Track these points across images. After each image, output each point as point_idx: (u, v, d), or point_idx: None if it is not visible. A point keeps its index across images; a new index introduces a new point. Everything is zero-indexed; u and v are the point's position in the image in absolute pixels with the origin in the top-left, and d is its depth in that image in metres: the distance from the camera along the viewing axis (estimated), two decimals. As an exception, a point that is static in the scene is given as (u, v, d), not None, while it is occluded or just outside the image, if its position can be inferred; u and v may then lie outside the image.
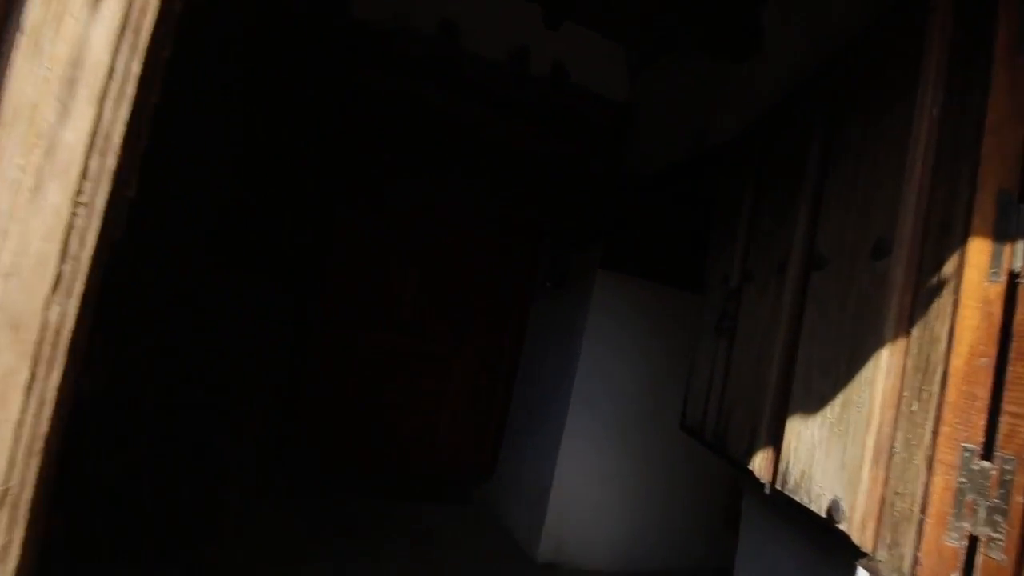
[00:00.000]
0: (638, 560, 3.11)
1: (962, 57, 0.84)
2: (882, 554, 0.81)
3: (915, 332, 0.83)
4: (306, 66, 2.20)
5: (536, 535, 3.02)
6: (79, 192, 0.48)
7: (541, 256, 3.75)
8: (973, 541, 0.68)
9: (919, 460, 0.78)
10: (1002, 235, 0.72)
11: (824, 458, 0.91)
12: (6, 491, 0.45)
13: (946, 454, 0.74)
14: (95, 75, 0.48)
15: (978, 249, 0.75)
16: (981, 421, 0.71)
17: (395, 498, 3.43)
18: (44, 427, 0.47)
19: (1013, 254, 0.71)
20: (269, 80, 2.15)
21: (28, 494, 0.46)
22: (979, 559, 0.67)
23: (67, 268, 0.48)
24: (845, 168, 1.03)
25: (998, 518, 0.65)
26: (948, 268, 0.79)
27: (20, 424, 0.45)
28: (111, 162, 0.50)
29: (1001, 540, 0.64)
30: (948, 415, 0.75)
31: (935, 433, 0.77)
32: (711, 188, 2.36)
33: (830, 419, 0.93)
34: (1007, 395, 0.68)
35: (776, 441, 1.07)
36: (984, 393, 0.71)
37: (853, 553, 0.85)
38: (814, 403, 0.96)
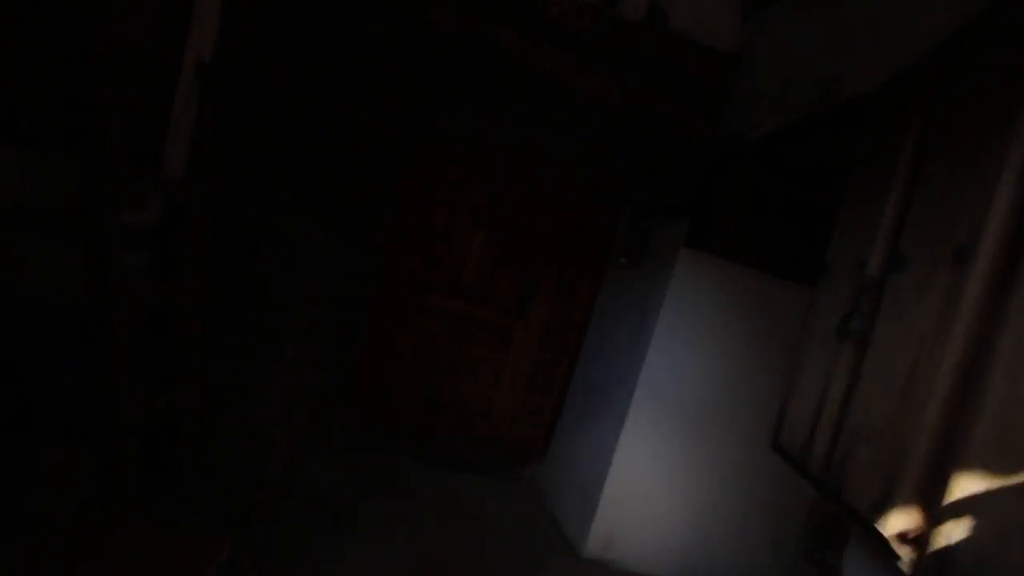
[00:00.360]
0: (699, 574, 2.82)
1: None
2: None
3: None
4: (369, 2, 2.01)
5: (585, 527, 2.81)
6: None
7: (620, 228, 3.41)
8: None
9: None
10: None
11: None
12: None
13: None
14: None
15: None
16: None
17: (444, 466, 3.35)
18: None
19: None
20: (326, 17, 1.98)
21: None
22: None
23: None
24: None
25: None
26: None
27: None
28: None
29: None
30: None
31: None
32: (837, 151, 1.91)
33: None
34: None
35: (931, 501, 0.75)
36: None
37: None
38: (1016, 456, 0.63)
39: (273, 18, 1.95)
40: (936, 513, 0.73)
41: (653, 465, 2.77)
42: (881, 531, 0.80)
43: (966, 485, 0.70)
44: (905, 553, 0.77)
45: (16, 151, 1.36)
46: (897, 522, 0.79)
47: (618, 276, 3.27)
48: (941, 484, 0.73)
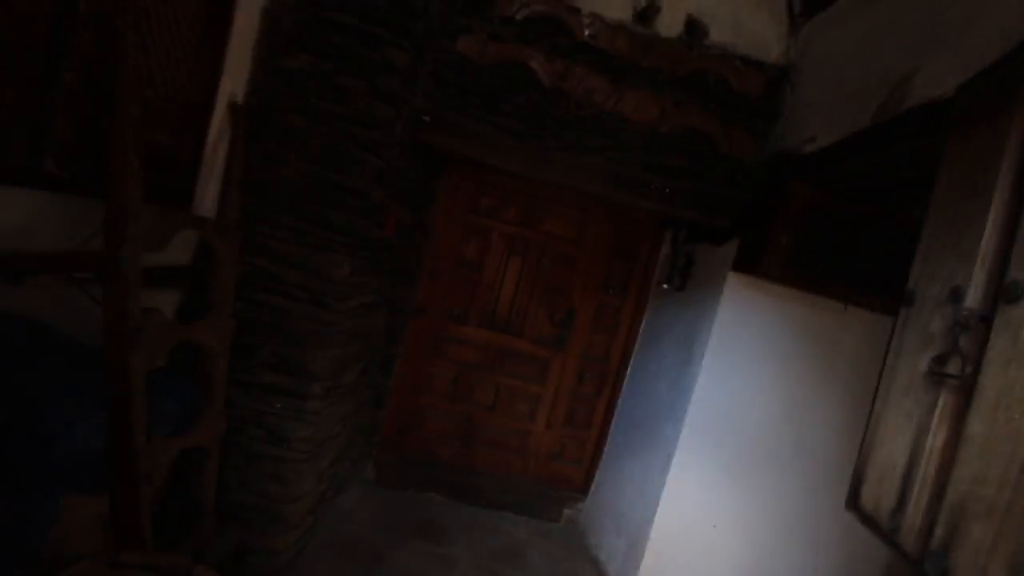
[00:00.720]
0: (761, 635, 2.54)
1: None
2: None
3: None
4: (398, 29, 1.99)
5: (632, 573, 2.58)
6: None
7: (662, 253, 3.24)
8: None
9: None
10: None
11: None
12: None
13: None
14: None
15: None
16: None
17: (478, 503, 3.20)
18: None
19: None
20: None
21: None
22: None
23: None
24: None
25: None
26: None
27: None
28: None
29: None
30: None
31: None
32: (908, 164, 1.71)
33: None
34: None
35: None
36: None
37: None
38: None
39: (304, 53, 1.95)
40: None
41: (704, 508, 2.53)
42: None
43: None
44: None
45: (46, 194, 1.37)
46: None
47: (661, 304, 3.09)
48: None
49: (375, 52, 1.99)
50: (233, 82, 1.89)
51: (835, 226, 2.20)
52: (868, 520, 1.03)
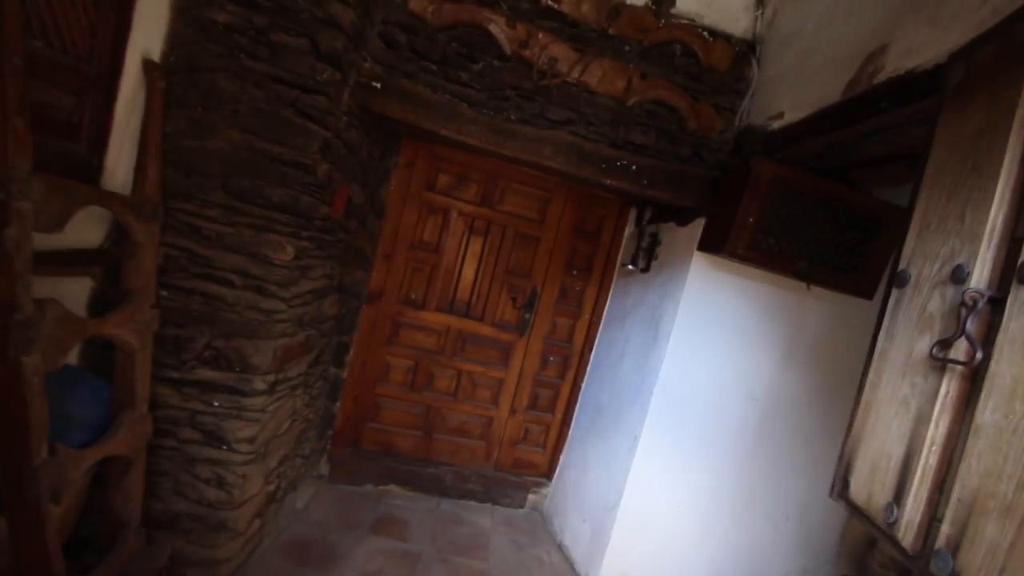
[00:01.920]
0: (725, 615, 2.57)
1: None
2: None
3: None
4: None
5: (597, 559, 2.55)
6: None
7: (626, 232, 3.17)
8: None
9: None
10: None
11: None
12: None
13: None
14: None
15: None
16: None
17: (440, 493, 3.09)
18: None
19: None
20: None
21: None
22: None
23: None
24: None
25: None
26: None
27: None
28: None
29: None
30: None
31: None
32: (878, 138, 1.68)
33: None
34: None
35: None
36: None
37: None
38: None
39: (233, 3, 1.71)
40: None
41: (670, 489, 2.52)
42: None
43: None
44: None
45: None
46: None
47: (626, 285, 3.03)
48: None
49: (316, 6, 1.76)
50: (147, 35, 1.63)
51: (800, 205, 2.17)
52: (858, 512, 0.98)
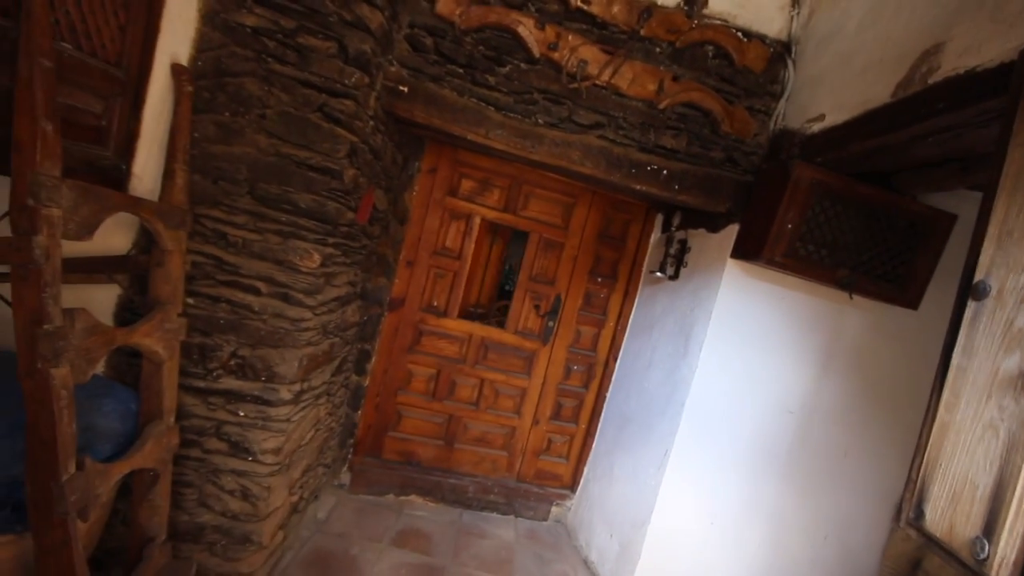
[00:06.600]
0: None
1: None
2: None
3: None
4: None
5: (627, 575, 2.46)
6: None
7: (652, 238, 3.09)
8: None
9: None
10: None
11: None
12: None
13: None
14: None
15: None
16: None
17: (462, 505, 3.03)
18: None
19: None
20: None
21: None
22: None
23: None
24: None
25: None
26: None
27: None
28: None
29: None
30: None
31: None
32: (931, 141, 1.59)
33: None
34: None
35: None
36: None
37: None
38: None
39: (261, 6, 1.68)
40: None
41: (702, 505, 2.43)
42: None
43: None
44: None
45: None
46: None
47: (652, 292, 2.95)
48: None
49: (344, 9, 1.73)
50: (176, 39, 1.61)
51: (840, 211, 2.08)
52: (936, 544, 0.90)
